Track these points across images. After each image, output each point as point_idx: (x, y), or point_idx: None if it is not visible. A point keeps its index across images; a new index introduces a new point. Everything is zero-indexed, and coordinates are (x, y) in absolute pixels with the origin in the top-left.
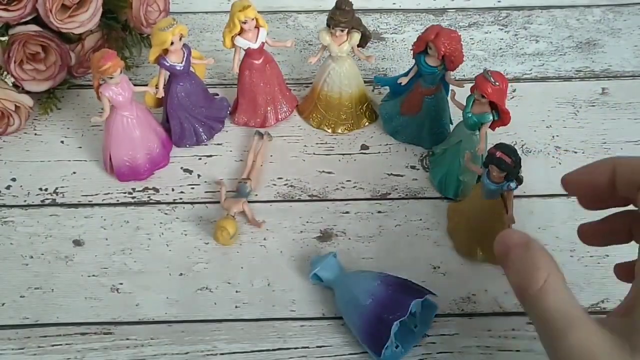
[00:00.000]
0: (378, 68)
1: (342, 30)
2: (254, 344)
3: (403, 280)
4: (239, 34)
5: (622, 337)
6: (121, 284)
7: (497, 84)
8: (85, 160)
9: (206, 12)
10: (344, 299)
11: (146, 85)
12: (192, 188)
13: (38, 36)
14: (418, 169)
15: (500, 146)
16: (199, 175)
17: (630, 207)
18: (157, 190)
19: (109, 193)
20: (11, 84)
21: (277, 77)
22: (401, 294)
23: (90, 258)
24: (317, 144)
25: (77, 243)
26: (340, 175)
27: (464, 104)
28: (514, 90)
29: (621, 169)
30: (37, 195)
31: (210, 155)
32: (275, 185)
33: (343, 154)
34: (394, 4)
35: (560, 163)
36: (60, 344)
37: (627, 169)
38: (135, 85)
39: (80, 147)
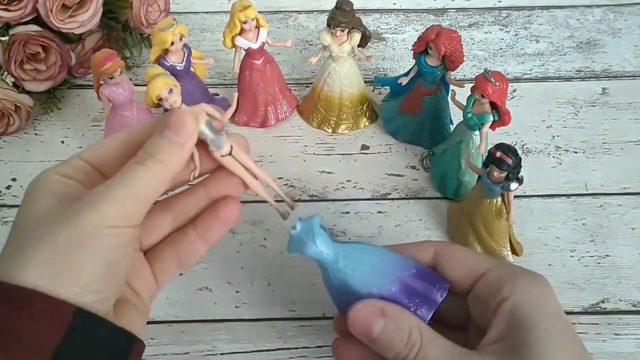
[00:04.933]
0: (378, 68)
1: (343, 31)
2: (254, 344)
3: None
4: (240, 34)
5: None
6: None
7: (498, 84)
8: None
9: (207, 12)
10: (354, 277)
11: (146, 85)
12: None
13: (38, 36)
14: (418, 169)
15: (500, 146)
16: None
17: None
18: None
19: None
20: (11, 84)
21: (277, 77)
22: (425, 283)
23: None
24: (317, 144)
25: None
26: (341, 175)
27: (464, 104)
28: (515, 90)
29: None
30: None
31: None
32: None
33: (343, 154)
34: (394, 4)
35: (560, 163)
36: None
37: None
38: (135, 85)
39: (80, 147)
